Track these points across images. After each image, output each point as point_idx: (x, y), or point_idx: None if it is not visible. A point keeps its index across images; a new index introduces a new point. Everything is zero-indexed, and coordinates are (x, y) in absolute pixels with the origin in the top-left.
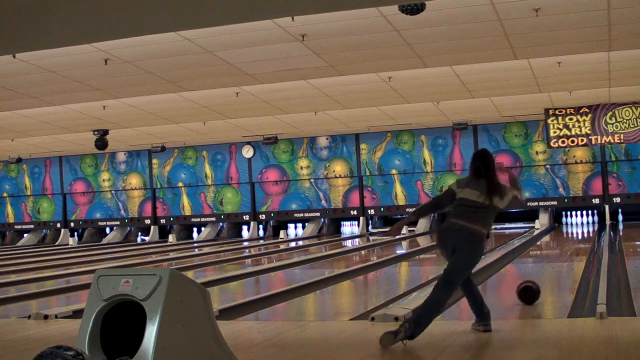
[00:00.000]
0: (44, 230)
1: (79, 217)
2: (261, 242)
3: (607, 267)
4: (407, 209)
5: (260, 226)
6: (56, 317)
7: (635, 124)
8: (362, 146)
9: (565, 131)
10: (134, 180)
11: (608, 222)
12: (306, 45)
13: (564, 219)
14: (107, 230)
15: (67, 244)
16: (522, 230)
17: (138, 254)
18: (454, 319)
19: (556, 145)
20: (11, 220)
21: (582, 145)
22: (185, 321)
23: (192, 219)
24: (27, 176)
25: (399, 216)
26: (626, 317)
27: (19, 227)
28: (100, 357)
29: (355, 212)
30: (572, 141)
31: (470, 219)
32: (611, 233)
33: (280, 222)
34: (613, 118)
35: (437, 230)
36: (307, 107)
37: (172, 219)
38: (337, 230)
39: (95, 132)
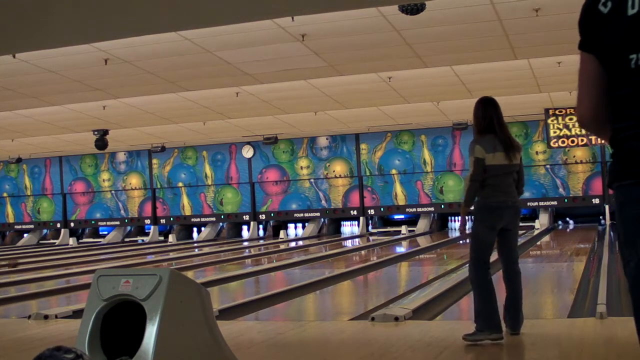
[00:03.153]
0: (44, 230)
1: (79, 217)
2: (261, 242)
3: (607, 267)
4: (407, 209)
5: (260, 226)
6: (56, 317)
7: None
8: (362, 146)
9: (565, 131)
10: (134, 180)
11: (608, 222)
12: (306, 45)
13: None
14: (106, 230)
15: (67, 244)
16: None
17: (138, 254)
18: (454, 319)
19: (556, 145)
20: (11, 220)
21: (582, 145)
22: (186, 321)
23: (192, 219)
24: (27, 176)
25: (398, 216)
26: (626, 317)
27: (19, 227)
28: (100, 357)
29: (355, 212)
30: (572, 141)
31: (513, 193)
32: (611, 233)
33: (280, 222)
34: None
35: (483, 206)
36: (307, 107)
37: (172, 219)
38: (337, 230)
39: (95, 132)
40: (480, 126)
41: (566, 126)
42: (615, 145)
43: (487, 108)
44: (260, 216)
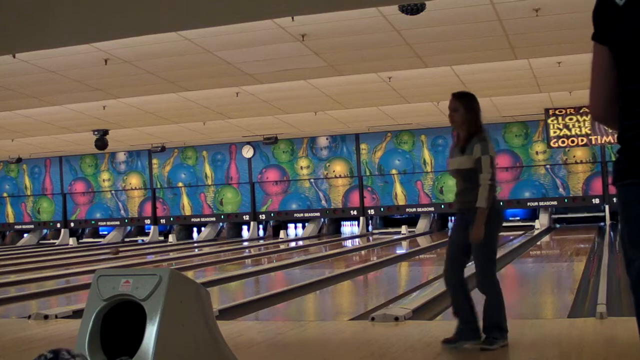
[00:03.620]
0: (44, 230)
1: (79, 217)
2: (261, 242)
3: (607, 267)
4: (407, 209)
5: (260, 226)
6: (56, 317)
7: None
8: (362, 146)
9: (565, 131)
10: (134, 180)
11: (608, 222)
12: (306, 45)
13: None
14: (106, 230)
15: (67, 244)
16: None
17: (138, 254)
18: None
19: (556, 145)
20: (11, 220)
21: (582, 145)
22: (185, 321)
23: (192, 219)
24: (27, 176)
25: (398, 216)
26: (626, 317)
27: (19, 227)
28: (100, 357)
29: (355, 212)
30: (572, 141)
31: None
32: (611, 233)
33: (280, 222)
34: None
35: (496, 210)
36: (307, 107)
37: (172, 219)
38: (337, 230)
39: (95, 132)
40: (478, 122)
41: (566, 126)
42: (622, 142)
43: (476, 104)
44: (260, 216)
